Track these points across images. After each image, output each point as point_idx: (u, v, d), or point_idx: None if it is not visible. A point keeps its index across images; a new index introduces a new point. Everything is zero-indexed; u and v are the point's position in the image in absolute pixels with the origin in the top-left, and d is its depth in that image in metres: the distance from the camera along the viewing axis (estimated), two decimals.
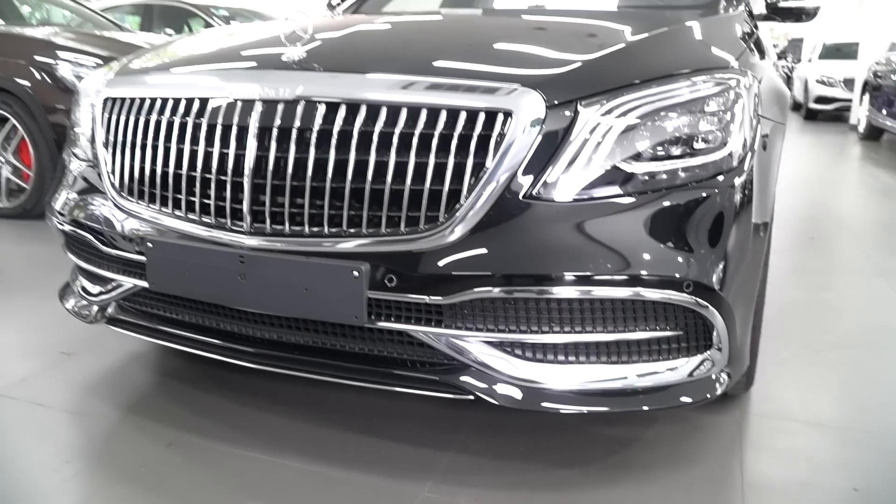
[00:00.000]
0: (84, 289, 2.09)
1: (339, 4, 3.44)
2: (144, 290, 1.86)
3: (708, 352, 1.58)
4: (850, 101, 12.08)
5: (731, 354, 1.60)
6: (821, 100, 12.82)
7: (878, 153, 8.50)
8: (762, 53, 2.23)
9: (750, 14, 2.55)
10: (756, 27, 2.48)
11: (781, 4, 2.77)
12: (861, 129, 10.19)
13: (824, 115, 13.25)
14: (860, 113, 10.44)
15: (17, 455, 1.78)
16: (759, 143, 1.66)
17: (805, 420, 1.98)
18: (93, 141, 1.96)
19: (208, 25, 7.71)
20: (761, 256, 1.71)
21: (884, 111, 8.80)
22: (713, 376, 1.60)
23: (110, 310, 2.01)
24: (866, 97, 9.96)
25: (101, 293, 2.00)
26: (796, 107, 15.19)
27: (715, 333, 1.56)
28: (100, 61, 4.21)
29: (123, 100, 1.84)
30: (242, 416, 1.96)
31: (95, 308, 2.04)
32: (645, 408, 1.57)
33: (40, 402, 2.03)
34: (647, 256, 1.48)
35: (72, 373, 2.22)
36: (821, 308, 2.94)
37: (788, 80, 16.53)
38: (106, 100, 1.89)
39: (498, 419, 1.94)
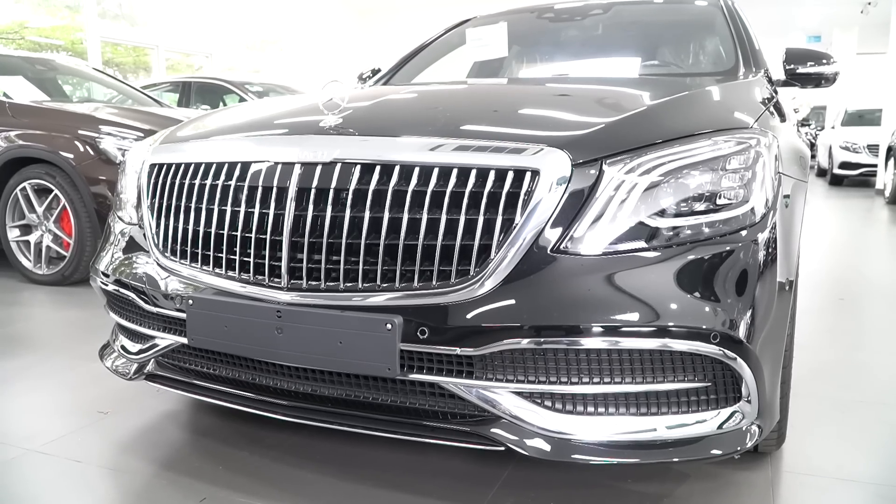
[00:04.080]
0: (124, 347, 2.15)
1: (369, 77, 3.58)
2: (183, 347, 1.92)
3: (737, 404, 1.60)
4: (874, 166, 12.11)
5: (760, 407, 1.61)
6: (845, 165, 12.86)
7: None
8: (782, 116, 2.29)
9: (769, 80, 2.63)
10: (776, 92, 2.54)
11: (800, 70, 2.83)
12: (887, 193, 10.16)
13: (849, 180, 13.29)
14: (886, 178, 10.43)
15: None
16: (781, 200, 1.71)
17: (838, 477, 1.96)
18: (137, 205, 2.06)
19: (243, 101, 7.99)
20: (787, 310, 1.73)
21: None
22: (743, 429, 1.60)
23: (149, 367, 2.07)
24: (891, 162, 9.98)
25: (140, 351, 2.06)
26: (821, 173, 15.22)
27: (744, 386, 1.58)
28: (140, 134, 4.39)
29: (169, 165, 1.94)
30: (275, 472, 1.98)
31: (134, 366, 2.10)
32: (675, 459, 1.57)
33: (77, 458, 2.07)
34: (674, 308, 1.51)
35: (107, 431, 2.26)
36: (852, 367, 2.91)
37: (812, 147, 16.62)
38: (152, 166, 1.99)
39: (528, 475, 1.94)
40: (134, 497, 1.86)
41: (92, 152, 4.36)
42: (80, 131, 4.42)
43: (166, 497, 1.86)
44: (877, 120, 12.64)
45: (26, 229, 4.60)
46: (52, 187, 4.41)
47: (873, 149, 12.22)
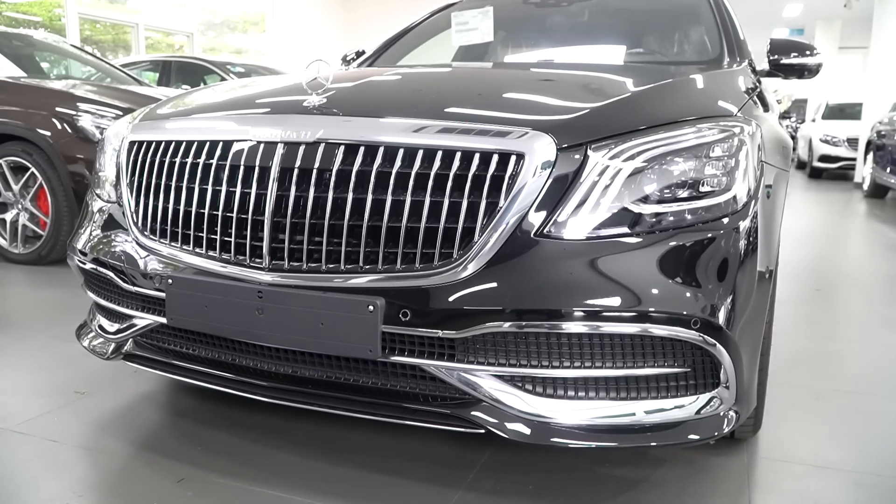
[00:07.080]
0: (101, 327, 2.13)
1: (353, 59, 3.55)
2: (161, 327, 1.91)
3: (715, 390, 1.61)
4: (853, 159, 12.24)
5: (738, 393, 1.62)
6: (825, 158, 12.99)
7: (882, 210, 8.56)
8: (765, 106, 2.31)
9: (753, 70, 2.64)
10: (759, 82, 2.56)
11: (784, 61, 2.84)
12: (865, 186, 10.29)
13: (829, 173, 13.43)
14: (864, 171, 10.55)
15: (31, 488, 1.79)
16: (763, 189, 1.72)
17: (813, 463, 1.99)
18: (116, 183, 2.03)
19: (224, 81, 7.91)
20: (767, 298, 1.74)
21: (888, 169, 8.89)
22: (721, 414, 1.62)
23: (127, 346, 2.05)
24: (870, 156, 10.08)
25: (118, 330, 2.04)
26: (801, 165, 15.35)
27: (722, 371, 1.59)
28: (119, 113, 4.33)
29: (149, 143, 1.91)
30: (254, 453, 1.97)
31: (112, 345, 2.08)
32: (653, 444, 1.58)
33: (54, 438, 2.05)
34: (655, 294, 1.52)
35: (85, 411, 2.24)
36: (828, 357, 2.95)
37: (793, 140, 16.76)
38: (132, 143, 1.97)
39: (507, 459, 1.95)
40: (111, 477, 1.85)
41: (70, 130, 4.30)
42: (57, 108, 4.35)
43: (144, 477, 1.84)
44: (857, 114, 12.75)
45: (2, 208, 4.53)
46: (29, 165, 4.35)
47: (853, 142, 12.35)
